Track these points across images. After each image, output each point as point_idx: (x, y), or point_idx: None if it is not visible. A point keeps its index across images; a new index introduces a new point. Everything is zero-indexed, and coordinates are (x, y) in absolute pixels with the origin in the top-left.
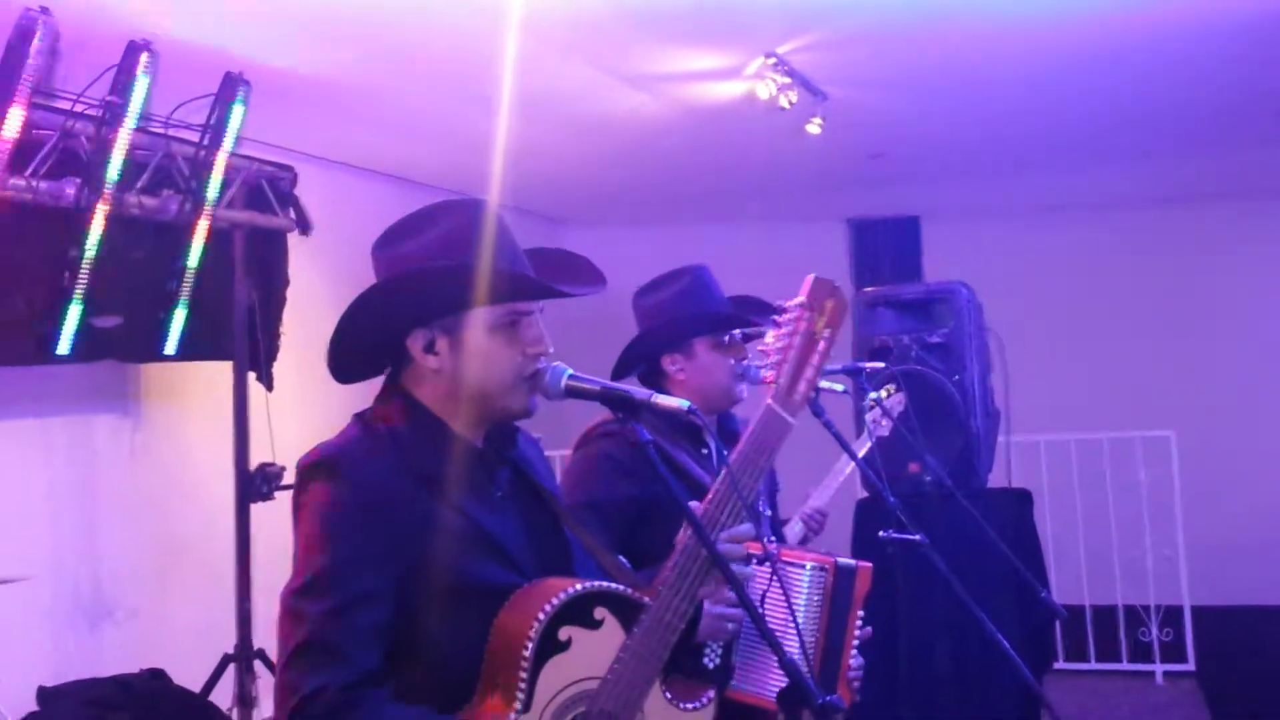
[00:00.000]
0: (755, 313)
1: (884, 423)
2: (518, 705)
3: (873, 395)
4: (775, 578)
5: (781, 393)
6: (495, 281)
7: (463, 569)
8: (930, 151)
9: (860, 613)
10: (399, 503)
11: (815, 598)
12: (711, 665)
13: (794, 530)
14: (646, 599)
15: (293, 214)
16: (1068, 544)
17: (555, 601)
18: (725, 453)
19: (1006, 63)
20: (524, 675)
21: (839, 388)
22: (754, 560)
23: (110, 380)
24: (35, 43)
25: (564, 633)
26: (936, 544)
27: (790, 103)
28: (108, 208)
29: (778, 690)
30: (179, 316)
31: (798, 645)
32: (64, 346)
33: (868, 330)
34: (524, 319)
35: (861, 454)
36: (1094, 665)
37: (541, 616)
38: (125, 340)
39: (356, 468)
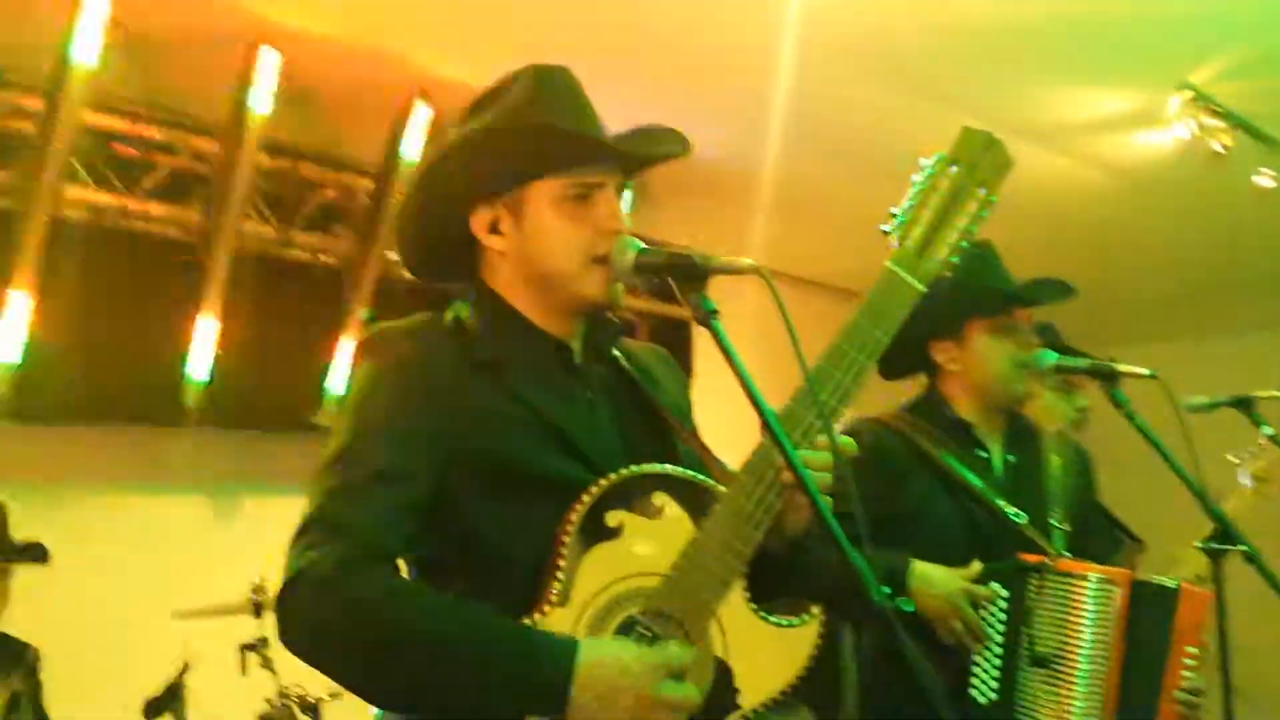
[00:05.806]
0: (1047, 293)
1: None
2: (553, 597)
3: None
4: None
5: (908, 255)
6: (555, 144)
7: (512, 455)
8: None
9: (1191, 650)
10: (446, 386)
11: (1103, 618)
12: (984, 699)
13: None
14: (721, 487)
15: None
16: None
17: (603, 482)
18: (1011, 458)
19: None
20: (561, 562)
21: None
22: (1027, 571)
23: None
24: None
25: (614, 518)
26: None
27: (1225, 147)
28: None
29: None
30: None
31: (1079, 673)
32: None
33: None
34: (596, 192)
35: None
36: None
37: (585, 498)
38: None
39: (403, 345)
